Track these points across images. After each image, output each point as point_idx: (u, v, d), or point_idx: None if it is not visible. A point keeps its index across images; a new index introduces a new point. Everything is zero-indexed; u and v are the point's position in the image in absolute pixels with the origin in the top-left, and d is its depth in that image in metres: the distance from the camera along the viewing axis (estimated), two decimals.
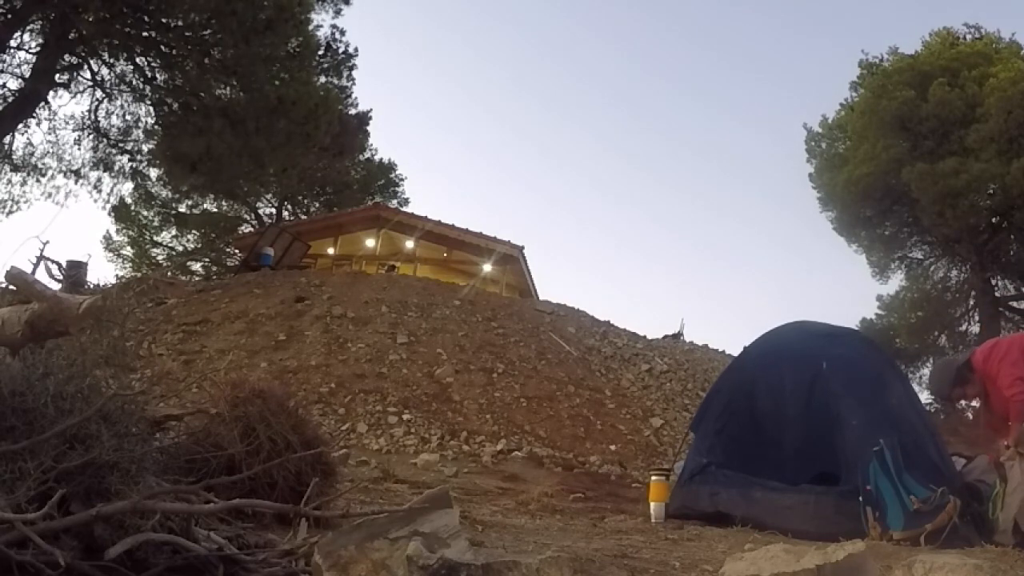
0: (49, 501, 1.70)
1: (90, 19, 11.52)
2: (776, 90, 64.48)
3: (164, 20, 12.05)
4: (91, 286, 11.07)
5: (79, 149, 13.94)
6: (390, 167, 23.32)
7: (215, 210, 21.88)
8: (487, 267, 18.70)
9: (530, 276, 19.64)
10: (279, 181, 17.77)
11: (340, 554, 1.70)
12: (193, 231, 22.29)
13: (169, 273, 18.24)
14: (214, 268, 21.95)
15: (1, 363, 2.38)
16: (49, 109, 13.30)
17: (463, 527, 2.33)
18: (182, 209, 21.37)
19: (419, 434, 7.95)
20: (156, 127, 13.79)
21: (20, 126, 13.09)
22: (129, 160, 14.46)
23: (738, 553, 2.16)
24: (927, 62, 15.89)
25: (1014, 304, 17.44)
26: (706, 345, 13.76)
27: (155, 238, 22.31)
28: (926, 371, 18.14)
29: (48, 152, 13.84)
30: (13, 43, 12.20)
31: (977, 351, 4.19)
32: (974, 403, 4.53)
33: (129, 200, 19.71)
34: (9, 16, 11.81)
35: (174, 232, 22.32)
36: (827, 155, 17.81)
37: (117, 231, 21.76)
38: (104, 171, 14.36)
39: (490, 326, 11.30)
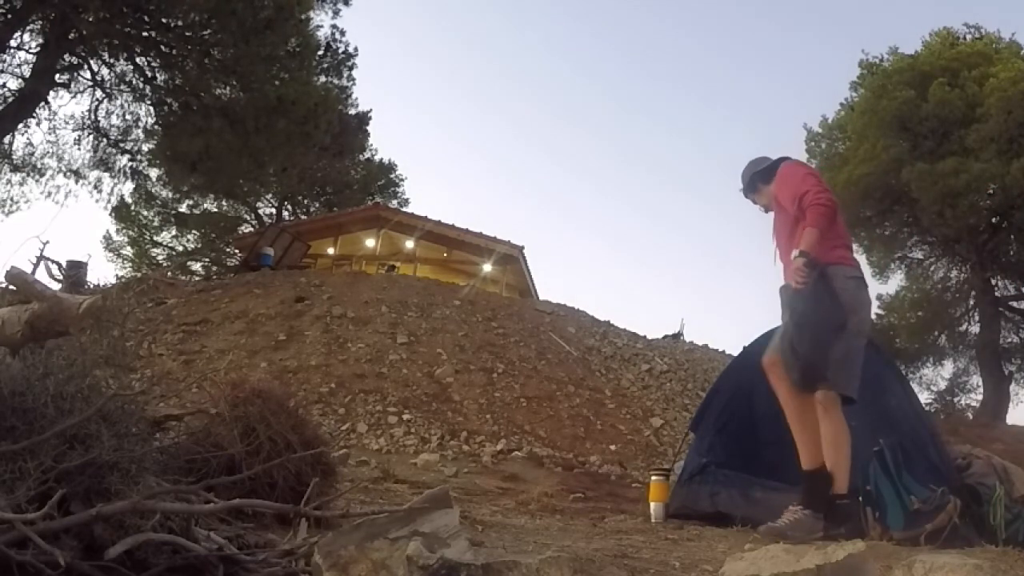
0: (49, 501, 1.70)
1: (90, 19, 11.52)
2: (776, 90, 64.58)
3: (164, 20, 12.06)
4: (91, 286, 11.07)
5: (79, 149, 13.97)
6: (390, 167, 23.34)
7: (215, 210, 21.90)
8: (487, 267, 18.71)
9: (530, 276, 19.66)
10: (279, 181, 17.80)
11: (340, 554, 1.70)
12: (193, 231, 22.30)
13: (169, 273, 18.23)
14: (214, 268, 21.95)
15: (1, 363, 2.38)
16: (49, 109, 13.32)
17: (463, 527, 2.33)
18: (182, 209, 21.40)
19: (419, 434, 7.95)
20: (156, 127, 13.81)
21: (20, 126, 13.11)
22: (129, 160, 14.49)
23: (738, 553, 2.16)
24: (927, 62, 15.86)
25: (1014, 304, 17.43)
26: (706, 345, 13.77)
27: (155, 238, 22.33)
28: (926, 371, 18.17)
29: (48, 152, 13.88)
30: (13, 43, 12.21)
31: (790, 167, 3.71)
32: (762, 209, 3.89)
33: (129, 200, 19.71)
34: (9, 16, 11.81)
35: (174, 232, 22.34)
36: (827, 155, 17.78)
37: (117, 231, 21.80)
38: (104, 171, 14.41)
39: (490, 326, 11.30)
